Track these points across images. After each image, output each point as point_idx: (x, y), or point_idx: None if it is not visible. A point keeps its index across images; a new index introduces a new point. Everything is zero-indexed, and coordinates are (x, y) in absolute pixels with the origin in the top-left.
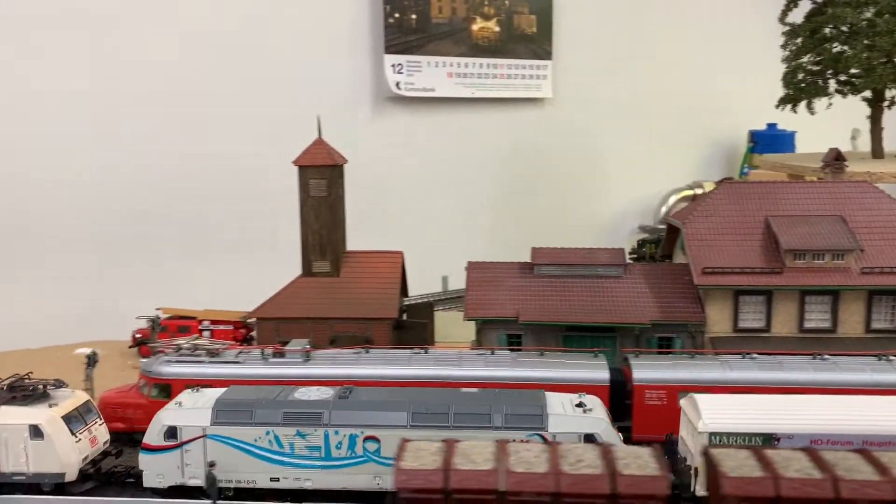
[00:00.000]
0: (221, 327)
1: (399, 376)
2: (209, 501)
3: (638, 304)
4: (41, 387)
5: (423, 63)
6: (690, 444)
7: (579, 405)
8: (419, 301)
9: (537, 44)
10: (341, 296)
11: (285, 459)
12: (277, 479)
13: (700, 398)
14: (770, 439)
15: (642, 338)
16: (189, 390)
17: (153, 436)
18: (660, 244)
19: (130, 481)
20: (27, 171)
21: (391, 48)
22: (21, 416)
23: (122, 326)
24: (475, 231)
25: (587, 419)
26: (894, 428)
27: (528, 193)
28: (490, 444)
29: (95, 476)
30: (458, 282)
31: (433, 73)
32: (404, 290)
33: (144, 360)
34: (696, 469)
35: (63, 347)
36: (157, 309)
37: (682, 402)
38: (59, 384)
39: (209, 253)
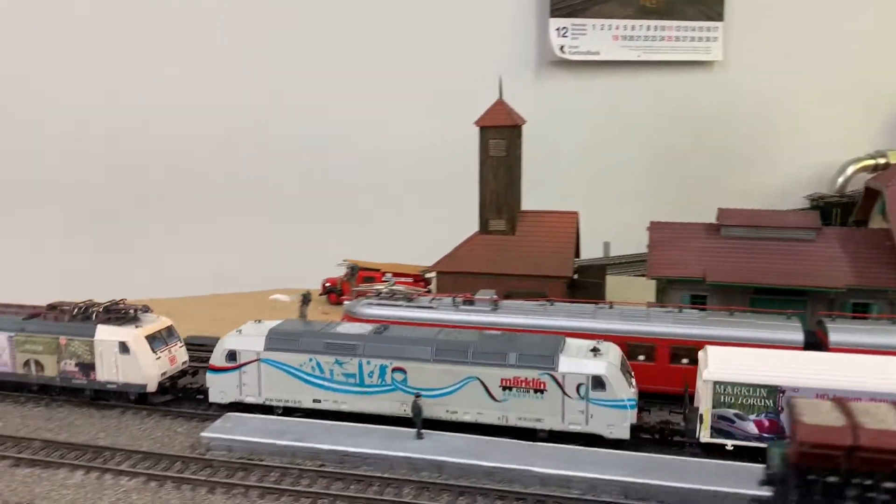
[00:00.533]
0: (402, 279)
1: (584, 328)
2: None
3: (832, 269)
4: (132, 311)
5: (588, 26)
6: (699, 393)
7: (594, 350)
8: (592, 263)
9: (708, 5)
10: (517, 253)
11: (325, 384)
12: (319, 401)
13: (712, 350)
14: (775, 391)
15: (836, 302)
16: (252, 321)
17: (217, 358)
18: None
19: (200, 397)
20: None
21: (556, 11)
22: (113, 334)
23: (309, 277)
24: (634, 197)
25: (594, 362)
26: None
27: (689, 159)
28: (889, 406)
29: (172, 390)
30: (618, 247)
31: (598, 37)
32: (577, 251)
33: (348, 302)
34: (701, 416)
35: (259, 293)
36: (344, 261)
37: (699, 354)
38: (146, 310)
39: (382, 210)
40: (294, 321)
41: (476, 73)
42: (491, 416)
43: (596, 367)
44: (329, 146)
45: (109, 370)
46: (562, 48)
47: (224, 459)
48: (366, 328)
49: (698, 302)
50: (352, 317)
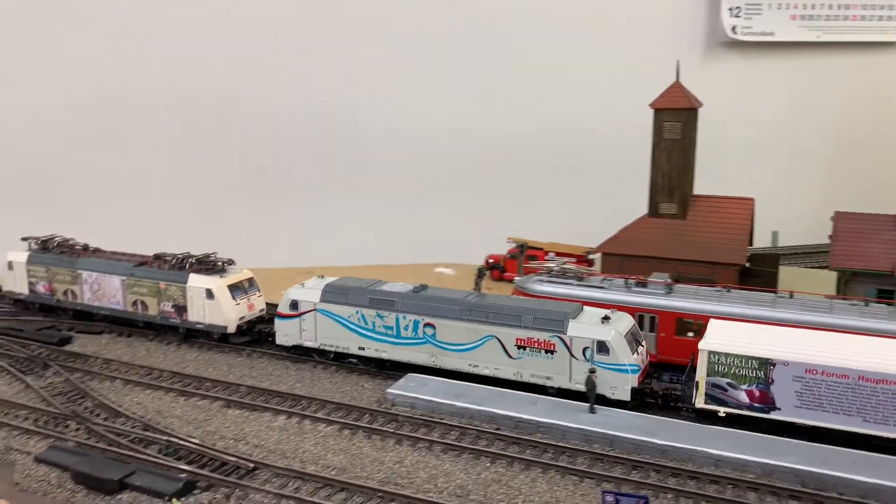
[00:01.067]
0: (565, 259)
1: (761, 317)
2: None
3: None
4: (220, 263)
5: (763, 5)
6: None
7: (604, 318)
8: (764, 252)
9: None
10: (688, 238)
11: (369, 334)
12: (363, 349)
13: (714, 323)
14: (766, 364)
15: None
16: (316, 277)
17: (283, 307)
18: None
19: (270, 340)
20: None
21: None
22: (202, 282)
23: (471, 252)
24: (807, 186)
25: (600, 328)
26: (886, 367)
27: (870, 147)
28: None
29: (249, 333)
30: (788, 237)
31: (774, 16)
32: (751, 239)
33: (518, 278)
34: (696, 384)
35: (424, 265)
36: (510, 239)
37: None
38: (231, 262)
39: (545, 190)
40: (348, 279)
41: (643, 55)
42: (507, 372)
43: (601, 332)
44: (497, 129)
45: (198, 312)
46: (734, 29)
47: (408, 415)
48: (406, 287)
49: (884, 296)
50: (523, 292)
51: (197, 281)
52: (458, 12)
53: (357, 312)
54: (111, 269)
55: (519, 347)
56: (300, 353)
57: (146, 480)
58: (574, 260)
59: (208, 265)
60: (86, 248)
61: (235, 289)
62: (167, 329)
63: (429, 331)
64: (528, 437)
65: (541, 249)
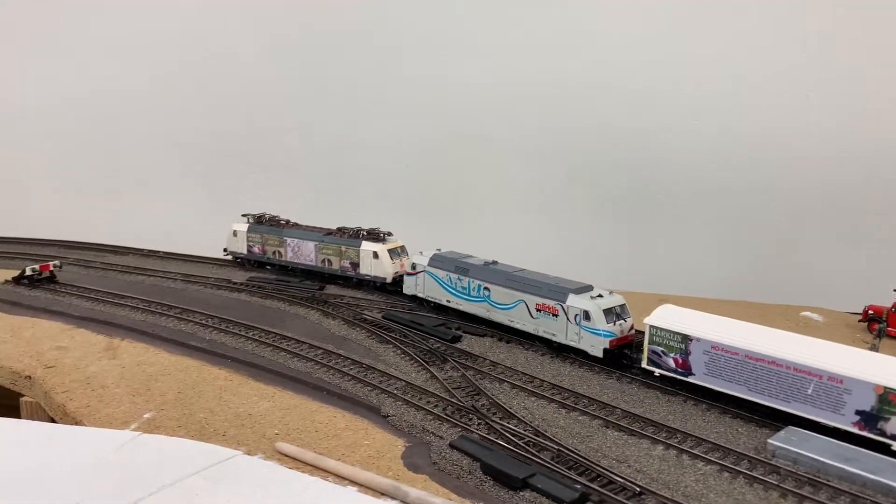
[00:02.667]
0: None
1: None
2: None
3: None
4: (383, 235)
5: None
6: None
7: (598, 296)
8: None
9: None
10: None
11: (453, 292)
12: (449, 301)
13: (667, 306)
14: (686, 339)
15: None
16: (436, 250)
17: (408, 267)
18: None
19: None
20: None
21: None
22: (370, 247)
23: (842, 298)
24: None
25: (587, 302)
26: (770, 351)
27: None
28: None
29: (394, 284)
30: None
31: None
32: None
33: None
34: (642, 349)
35: (790, 307)
36: None
37: None
38: (390, 234)
39: None
40: (451, 252)
41: None
42: (530, 328)
43: (586, 305)
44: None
45: (367, 268)
46: None
47: (790, 469)
48: (480, 261)
49: None
50: None
51: (367, 245)
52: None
53: (447, 275)
54: (307, 237)
55: (538, 310)
56: (667, 384)
57: (546, 484)
58: None
59: (375, 236)
60: (287, 222)
61: (393, 253)
62: (346, 279)
63: (485, 293)
64: None
65: None
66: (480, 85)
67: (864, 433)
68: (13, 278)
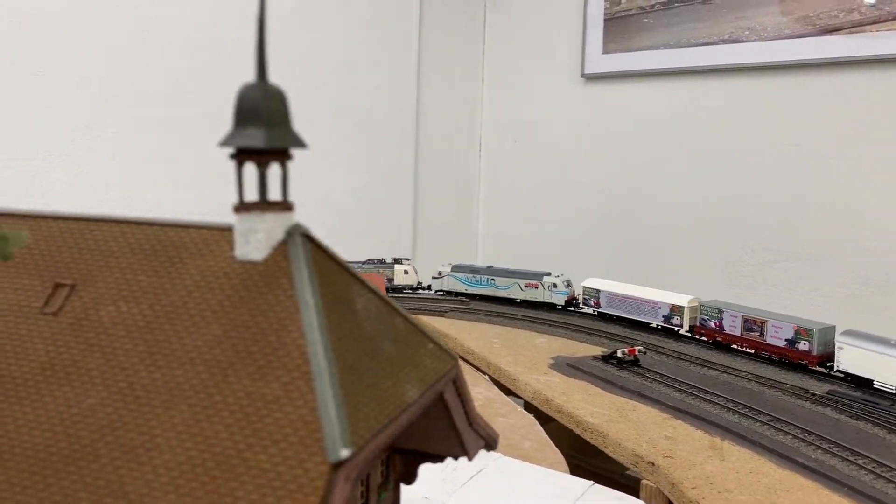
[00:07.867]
0: None
1: None
2: None
3: None
4: (402, 260)
5: None
6: None
7: (558, 276)
8: None
9: None
10: None
11: (469, 284)
12: (467, 289)
13: (593, 278)
14: (598, 291)
15: None
16: (448, 263)
17: (435, 272)
18: None
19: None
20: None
21: None
22: (401, 267)
23: None
24: None
25: (552, 278)
26: (633, 292)
27: None
28: None
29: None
30: None
31: None
32: None
33: None
34: (580, 298)
35: None
36: None
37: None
38: (407, 259)
39: None
40: (468, 264)
41: None
42: (520, 297)
43: (553, 280)
44: None
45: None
46: None
47: None
48: (486, 265)
49: None
50: None
51: (399, 268)
52: None
53: (462, 275)
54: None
55: (526, 287)
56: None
57: None
58: None
59: (399, 261)
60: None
61: (407, 272)
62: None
63: (491, 281)
64: None
65: None
66: None
67: (664, 324)
68: (602, 356)
